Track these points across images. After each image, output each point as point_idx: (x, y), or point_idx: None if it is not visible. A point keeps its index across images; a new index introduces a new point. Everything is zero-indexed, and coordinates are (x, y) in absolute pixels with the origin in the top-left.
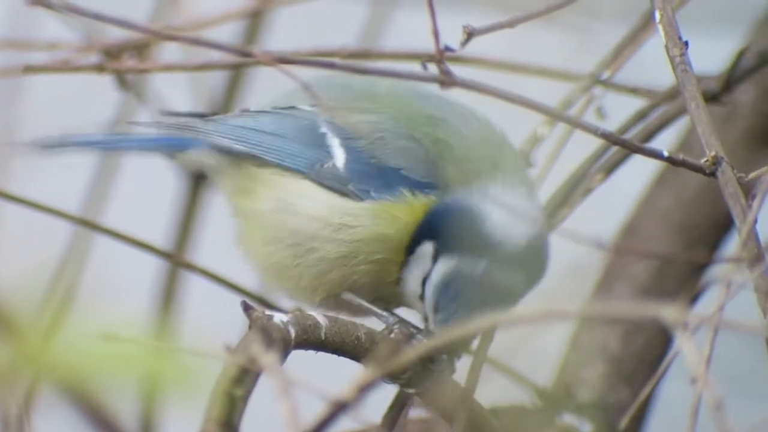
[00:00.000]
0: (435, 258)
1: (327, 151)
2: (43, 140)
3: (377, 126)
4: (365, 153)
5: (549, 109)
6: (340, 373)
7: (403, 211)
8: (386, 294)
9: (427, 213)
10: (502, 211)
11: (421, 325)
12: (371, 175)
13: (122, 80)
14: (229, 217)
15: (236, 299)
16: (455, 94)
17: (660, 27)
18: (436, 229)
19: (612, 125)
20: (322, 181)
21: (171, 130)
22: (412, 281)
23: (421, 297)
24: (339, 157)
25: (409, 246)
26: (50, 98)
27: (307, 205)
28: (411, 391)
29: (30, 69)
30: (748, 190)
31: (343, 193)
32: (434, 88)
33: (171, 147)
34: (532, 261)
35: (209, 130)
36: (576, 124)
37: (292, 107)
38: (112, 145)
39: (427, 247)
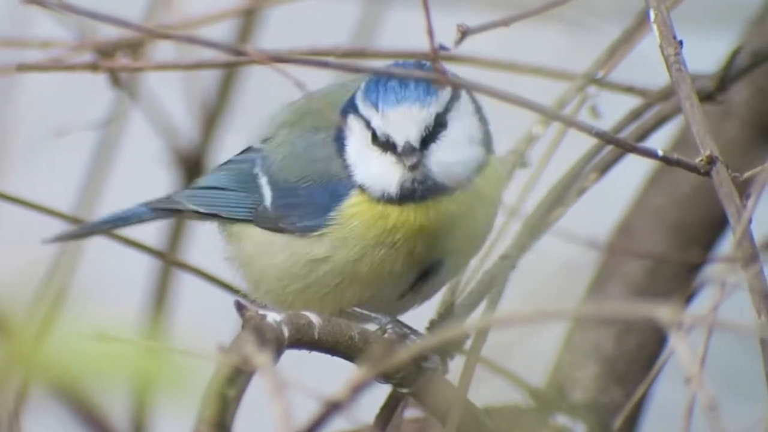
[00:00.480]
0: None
1: (259, 192)
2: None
3: (286, 143)
4: (281, 183)
5: (543, 108)
6: (333, 373)
7: (351, 222)
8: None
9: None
10: None
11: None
12: (292, 206)
13: (116, 79)
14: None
15: (229, 298)
16: None
17: (654, 26)
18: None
19: (606, 124)
20: (262, 225)
21: (154, 207)
22: (361, 160)
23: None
24: (267, 195)
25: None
26: (44, 96)
27: (271, 251)
28: (404, 390)
29: (23, 67)
30: (743, 190)
31: (285, 231)
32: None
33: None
34: None
35: (182, 200)
36: (570, 123)
37: (248, 148)
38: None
39: (352, 125)
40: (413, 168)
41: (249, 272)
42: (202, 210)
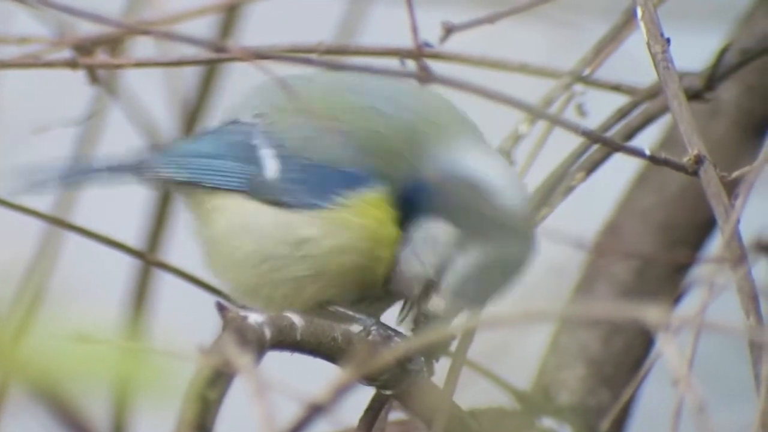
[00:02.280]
0: (453, 241)
1: (259, 163)
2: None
3: (307, 126)
4: (295, 158)
5: (529, 106)
6: (316, 375)
7: (352, 215)
8: (374, 291)
9: (408, 185)
10: (504, 179)
11: (409, 316)
12: (302, 180)
13: (94, 75)
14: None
15: (210, 299)
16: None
17: (642, 23)
18: (433, 203)
19: (592, 123)
20: (259, 196)
21: (119, 170)
22: (417, 265)
23: (430, 282)
24: (271, 167)
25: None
26: (22, 93)
27: (256, 225)
28: (388, 392)
29: (0, 64)
30: (731, 190)
31: (284, 206)
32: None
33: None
34: (532, 230)
35: (152, 165)
36: (557, 121)
37: (234, 121)
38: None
39: (435, 228)
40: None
41: (218, 249)
42: (180, 178)
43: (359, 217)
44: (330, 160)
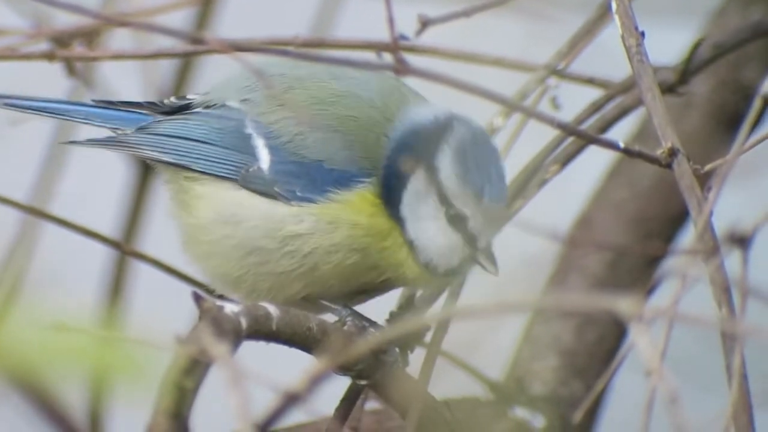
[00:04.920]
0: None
1: (252, 153)
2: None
3: (297, 120)
4: (288, 151)
5: (504, 99)
6: (291, 365)
7: (346, 212)
8: (374, 284)
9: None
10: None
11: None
12: (296, 174)
13: (71, 68)
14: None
15: (186, 289)
16: (411, 83)
17: (616, 17)
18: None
19: (567, 116)
20: (249, 186)
21: (103, 145)
22: (423, 215)
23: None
24: (264, 158)
25: (390, 193)
26: None
27: (246, 216)
28: (363, 383)
29: None
30: (704, 182)
31: (275, 198)
32: None
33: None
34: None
35: (137, 143)
36: (532, 114)
37: (222, 105)
38: (59, 111)
39: (413, 185)
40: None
41: (202, 238)
42: (167, 159)
43: (351, 214)
44: (321, 157)
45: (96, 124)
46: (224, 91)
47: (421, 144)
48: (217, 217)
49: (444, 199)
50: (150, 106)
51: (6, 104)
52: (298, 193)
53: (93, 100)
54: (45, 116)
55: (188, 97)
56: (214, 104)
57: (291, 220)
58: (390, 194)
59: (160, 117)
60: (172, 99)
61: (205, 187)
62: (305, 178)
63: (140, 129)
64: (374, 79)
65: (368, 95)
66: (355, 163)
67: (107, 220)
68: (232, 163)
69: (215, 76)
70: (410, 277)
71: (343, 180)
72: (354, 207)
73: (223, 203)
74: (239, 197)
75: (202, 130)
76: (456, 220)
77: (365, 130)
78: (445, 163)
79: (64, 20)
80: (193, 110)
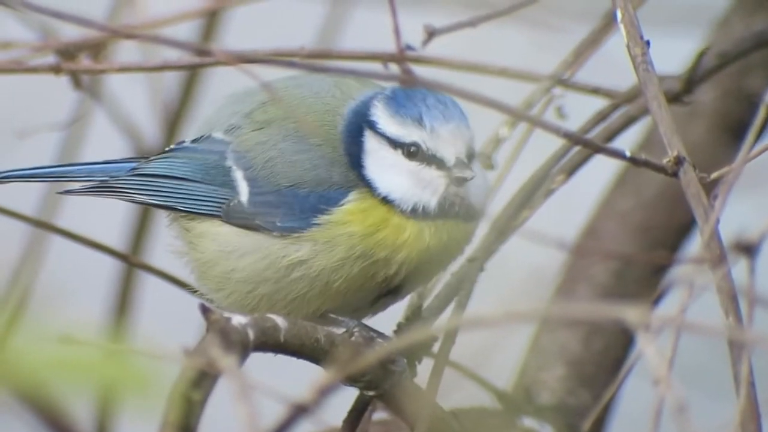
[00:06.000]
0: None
1: (232, 186)
2: None
3: (269, 144)
4: (261, 180)
5: (511, 108)
6: (299, 376)
7: (338, 230)
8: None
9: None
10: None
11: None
12: (273, 204)
13: (78, 80)
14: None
15: (194, 301)
16: None
17: (622, 26)
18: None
19: (572, 126)
20: (232, 221)
21: (91, 192)
22: (386, 169)
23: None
24: (243, 191)
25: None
26: (6, 97)
27: (244, 251)
28: (371, 393)
29: None
30: (710, 191)
31: (258, 230)
32: None
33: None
34: None
35: (125, 188)
36: (539, 124)
37: (208, 137)
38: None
39: (370, 141)
40: (461, 182)
41: (211, 273)
42: (153, 202)
43: (344, 228)
44: (293, 182)
45: (97, 178)
46: (211, 122)
47: (361, 113)
48: (219, 254)
49: (392, 142)
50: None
51: (4, 178)
52: (278, 224)
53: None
54: (47, 181)
55: (184, 142)
56: (201, 136)
57: (290, 248)
58: (356, 166)
59: (153, 157)
60: (172, 147)
61: (201, 225)
62: (284, 207)
63: (131, 170)
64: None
65: (323, 94)
66: (325, 182)
67: (114, 232)
68: (214, 199)
69: (222, 87)
70: (415, 248)
71: (323, 201)
72: (343, 220)
73: (220, 240)
74: (228, 232)
75: (185, 168)
76: (411, 154)
77: (324, 136)
78: (378, 112)
79: (71, 33)
80: (181, 145)
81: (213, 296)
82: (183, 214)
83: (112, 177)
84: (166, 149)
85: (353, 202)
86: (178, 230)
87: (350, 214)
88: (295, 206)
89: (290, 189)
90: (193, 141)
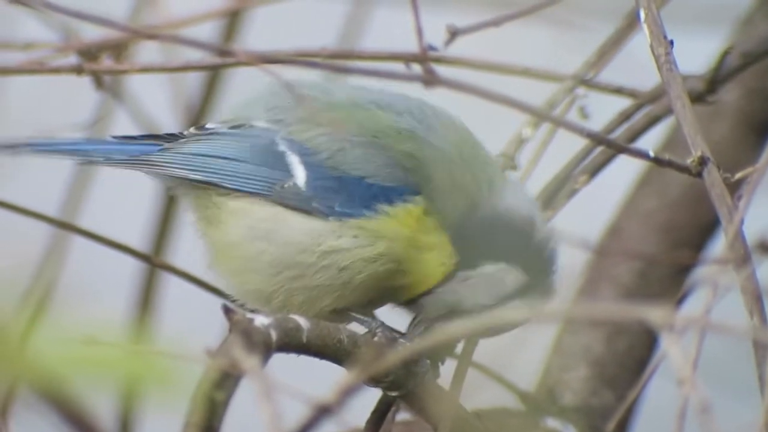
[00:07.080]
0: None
1: (287, 170)
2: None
3: (337, 137)
4: (326, 167)
5: (534, 108)
6: (322, 377)
7: (389, 225)
8: (391, 288)
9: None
10: (537, 216)
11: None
12: (334, 190)
13: (100, 81)
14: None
15: (217, 302)
16: (440, 93)
17: (645, 26)
18: (493, 245)
19: (595, 126)
20: (284, 202)
21: (126, 165)
22: (469, 298)
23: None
24: (300, 174)
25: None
26: (28, 98)
27: (282, 231)
28: (394, 394)
29: (6, 71)
30: (734, 191)
31: (311, 213)
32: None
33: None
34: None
35: (164, 162)
36: (562, 124)
37: (249, 126)
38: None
39: (502, 272)
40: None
41: (234, 253)
42: (196, 177)
43: (393, 228)
44: (363, 173)
45: (116, 161)
46: (249, 112)
47: (504, 237)
48: (251, 233)
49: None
50: (170, 137)
51: (33, 150)
52: (337, 209)
53: (113, 137)
54: (66, 158)
55: (207, 126)
56: (240, 125)
57: (330, 235)
58: (459, 238)
59: (183, 139)
60: (192, 130)
61: (237, 204)
62: (344, 193)
63: (163, 150)
64: (433, 118)
65: (429, 138)
66: (398, 179)
67: (137, 232)
68: (265, 179)
69: (243, 89)
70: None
71: (385, 195)
72: (396, 221)
73: (257, 219)
74: (273, 213)
75: (230, 148)
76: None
77: (420, 164)
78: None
79: (92, 33)
80: (216, 131)
81: (230, 280)
82: (218, 191)
83: (144, 154)
84: (192, 130)
85: (417, 205)
86: (203, 209)
87: (409, 215)
88: (357, 194)
89: (358, 179)
90: (231, 128)
